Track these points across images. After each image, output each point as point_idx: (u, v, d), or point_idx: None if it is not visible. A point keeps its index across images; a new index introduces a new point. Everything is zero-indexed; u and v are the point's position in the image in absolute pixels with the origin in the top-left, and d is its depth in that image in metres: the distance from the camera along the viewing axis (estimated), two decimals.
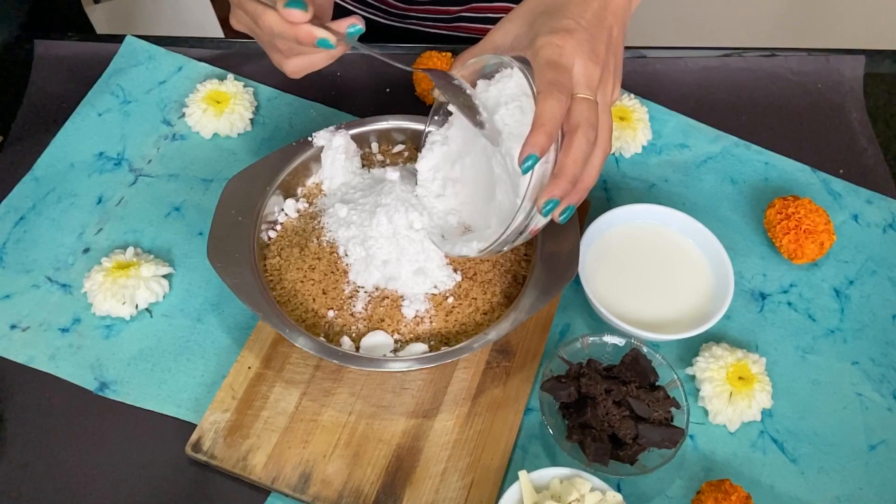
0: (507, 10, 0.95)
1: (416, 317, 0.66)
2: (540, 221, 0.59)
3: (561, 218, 0.58)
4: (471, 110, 0.60)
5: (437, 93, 0.67)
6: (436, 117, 0.68)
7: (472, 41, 0.66)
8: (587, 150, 0.56)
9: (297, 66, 0.62)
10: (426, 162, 0.68)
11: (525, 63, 0.58)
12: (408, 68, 0.63)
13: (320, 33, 0.57)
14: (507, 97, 0.61)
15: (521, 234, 0.59)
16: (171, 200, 0.79)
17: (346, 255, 0.67)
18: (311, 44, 0.57)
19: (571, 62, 0.56)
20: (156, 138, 0.83)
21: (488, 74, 0.63)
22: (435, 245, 0.66)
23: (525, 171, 0.54)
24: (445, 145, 0.68)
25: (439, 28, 0.98)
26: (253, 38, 0.63)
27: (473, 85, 0.63)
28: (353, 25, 0.58)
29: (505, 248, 0.61)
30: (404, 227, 0.66)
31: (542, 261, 0.67)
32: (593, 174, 0.58)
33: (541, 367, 0.68)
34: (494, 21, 0.96)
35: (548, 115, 0.54)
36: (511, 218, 0.57)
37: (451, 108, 0.67)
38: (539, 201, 0.56)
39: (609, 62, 0.59)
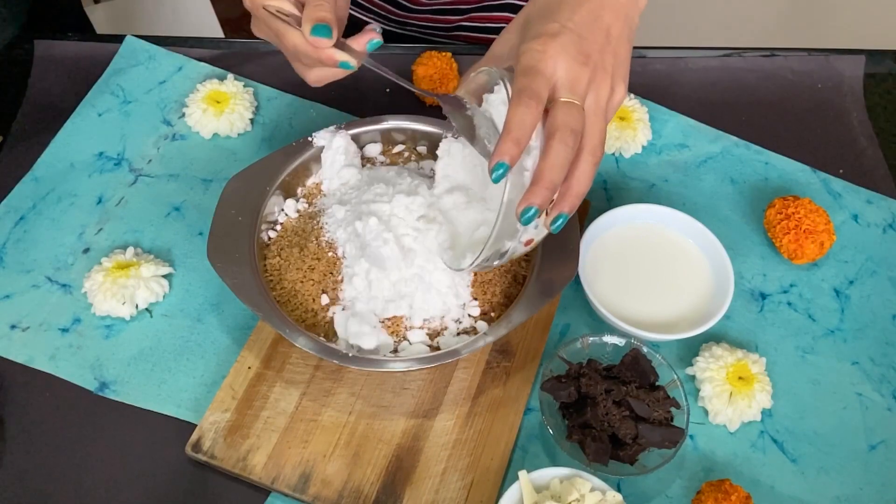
0: (505, 21, 0.95)
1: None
2: (531, 232, 0.57)
3: (553, 227, 0.56)
4: (470, 132, 0.60)
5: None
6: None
7: (470, 51, 0.65)
8: (566, 155, 0.53)
9: (319, 76, 0.64)
10: (439, 169, 0.67)
11: (512, 72, 0.57)
12: (425, 92, 0.64)
13: (341, 56, 0.60)
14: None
15: (512, 247, 0.57)
16: (171, 200, 0.79)
17: (345, 256, 0.67)
18: (334, 66, 0.60)
19: (551, 66, 0.54)
20: (156, 138, 0.83)
21: (491, 88, 0.62)
22: (441, 258, 0.65)
23: (496, 181, 0.52)
24: (453, 155, 0.67)
25: (438, 36, 0.98)
26: (258, 40, 0.63)
27: (479, 100, 0.63)
28: (372, 40, 0.61)
29: (496, 263, 0.59)
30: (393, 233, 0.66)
31: (542, 261, 0.67)
32: (583, 180, 0.55)
33: (541, 367, 0.68)
34: (493, 31, 0.96)
35: (515, 122, 0.52)
36: (491, 229, 0.55)
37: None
38: (517, 210, 0.54)
39: (605, 62, 0.57)
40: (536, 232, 0.58)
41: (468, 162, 0.66)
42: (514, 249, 0.58)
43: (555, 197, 0.55)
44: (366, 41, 0.61)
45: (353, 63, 0.60)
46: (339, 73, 0.63)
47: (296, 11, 0.60)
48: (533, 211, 0.53)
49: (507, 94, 0.54)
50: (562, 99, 0.54)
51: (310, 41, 0.58)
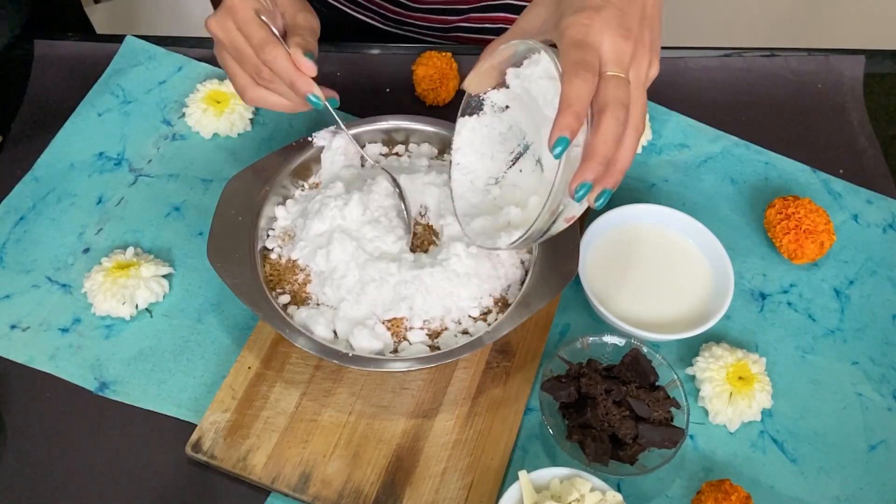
0: (503, 21, 0.95)
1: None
2: (574, 208, 0.57)
3: (597, 203, 0.55)
4: None
5: (467, 84, 0.64)
6: (468, 111, 0.66)
7: (470, 51, 0.65)
8: (618, 129, 0.53)
9: (262, 98, 0.66)
10: (453, 149, 0.67)
11: (553, 46, 0.56)
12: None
13: (317, 90, 0.63)
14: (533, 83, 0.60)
15: (554, 222, 0.57)
16: (171, 200, 0.79)
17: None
18: (302, 94, 0.63)
19: (599, 40, 0.54)
20: (156, 138, 0.83)
21: (518, 62, 0.62)
22: (467, 237, 0.66)
23: (557, 156, 0.52)
24: (464, 135, 0.67)
25: (436, 37, 0.98)
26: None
27: (504, 73, 0.62)
28: (334, 99, 0.66)
29: (538, 240, 0.59)
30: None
31: (542, 261, 0.67)
32: (628, 155, 0.55)
33: (541, 367, 0.68)
34: (490, 31, 0.96)
35: (574, 96, 0.52)
36: (542, 205, 0.55)
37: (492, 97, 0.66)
38: (571, 186, 0.53)
39: (643, 36, 0.57)
40: (578, 208, 0.58)
41: (485, 141, 0.66)
42: (556, 227, 0.58)
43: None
44: (330, 95, 0.66)
45: (322, 101, 0.64)
46: (280, 103, 0.66)
47: (277, 32, 0.63)
48: (586, 188, 0.53)
49: (556, 68, 0.54)
50: (609, 73, 0.54)
51: (298, 61, 0.62)
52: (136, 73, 0.88)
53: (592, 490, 0.59)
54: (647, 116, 0.84)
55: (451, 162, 0.68)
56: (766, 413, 0.67)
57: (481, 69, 0.62)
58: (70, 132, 0.83)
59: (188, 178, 0.80)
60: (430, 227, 0.71)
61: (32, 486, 0.62)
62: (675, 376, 0.65)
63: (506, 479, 0.63)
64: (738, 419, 0.66)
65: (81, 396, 0.66)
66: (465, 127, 0.66)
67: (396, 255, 0.67)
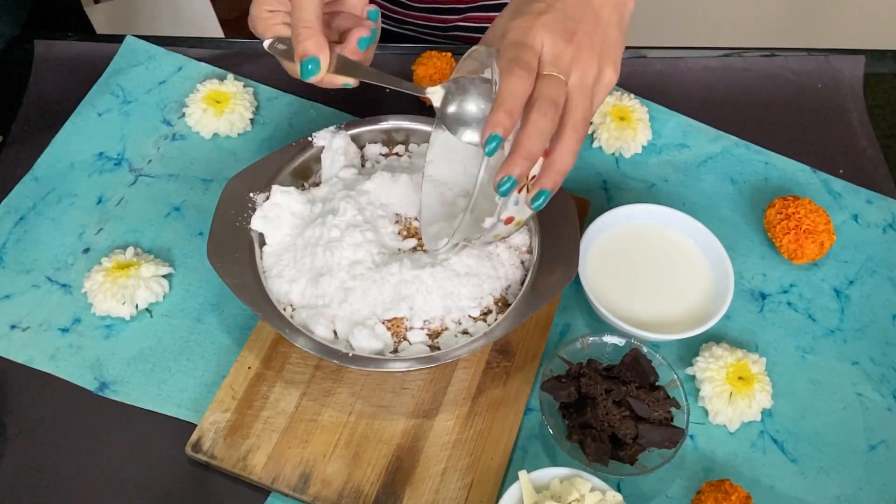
0: None
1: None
2: (512, 209, 0.57)
3: (534, 205, 0.55)
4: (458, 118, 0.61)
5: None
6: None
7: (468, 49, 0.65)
8: (544, 125, 0.53)
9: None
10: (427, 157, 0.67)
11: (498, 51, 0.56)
12: (418, 93, 0.63)
13: (340, 81, 0.61)
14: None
15: (491, 223, 0.57)
16: (171, 200, 0.79)
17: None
18: (335, 87, 0.62)
19: (538, 41, 0.54)
20: (156, 138, 0.83)
21: (483, 71, 0.61)
22: (425, 242, 0.66)
23: (490, 154, 0.52)
24: (436, 144, 0.67)
25: (436, 36, 0.99)
26: (254, 39, 0.63)
27: None
28: (361, 38, 0.62)
29: (477, 242, 0.58)
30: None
31: (542, 261, 0.67)
32: (566, 156, 0.54)
33: (541, 367, 0.68)
34: None
35: (507, 93, 0.52)
36: (468, 204, 0.54)
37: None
38: (494, 180, 0.53)
39: (592, 41, 0.56)
40: (518, 209, 0.57)
41: (458, 154, 0.66)
42: (494, 227, 0.57)
43: (537, 173, 0.55)
44: (355, 43, 0.61)
45: (353, 83, 0.62)
46: (336, 81, 0.63)
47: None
48: (510, 182, 0.52)
49: (494, 70, 0.54)
50: (545, 73, 0.54)
51: (305, 80, 0.59)
52: (136, 73, 0.88)
53: (592, 490, 0.59)
54: (647, 116, 0.85)
55: (423, 173, 0.67)
56: (766, 413, 0.67)
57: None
58: (70, 132, 0.83)
59: (188, 178, 0.80)
60: None
61: (32, 487, 0.62)
62: (675, 376, 0.65)
63: (506, 479, 0.63)
64: (738, 419, 0.66)
65: (81, 396, 0.66)
66: (439, 139, 0.66)
67: (395, 247, 0.67)
